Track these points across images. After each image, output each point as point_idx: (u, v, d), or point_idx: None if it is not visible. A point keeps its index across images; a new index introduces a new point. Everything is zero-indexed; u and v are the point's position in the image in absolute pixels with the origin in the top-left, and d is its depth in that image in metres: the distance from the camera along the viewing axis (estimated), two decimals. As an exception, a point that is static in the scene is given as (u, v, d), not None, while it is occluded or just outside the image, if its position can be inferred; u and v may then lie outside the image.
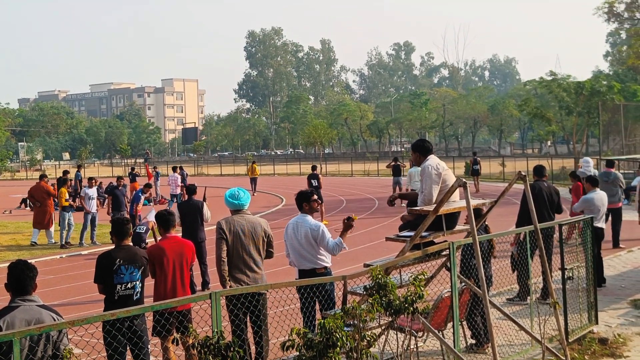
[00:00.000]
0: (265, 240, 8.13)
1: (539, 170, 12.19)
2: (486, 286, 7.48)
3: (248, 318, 7.87)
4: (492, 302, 7.68)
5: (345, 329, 5.22)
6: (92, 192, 20.88)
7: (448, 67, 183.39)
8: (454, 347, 7.36)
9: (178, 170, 33.39)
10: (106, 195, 27.03)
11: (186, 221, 13.39)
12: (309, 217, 8.35)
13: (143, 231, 14.88)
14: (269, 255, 8.25)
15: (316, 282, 7.52)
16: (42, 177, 22.47)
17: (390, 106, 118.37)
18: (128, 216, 18.83)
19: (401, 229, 7.93)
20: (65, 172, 25.16)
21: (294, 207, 8.82)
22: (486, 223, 9.20)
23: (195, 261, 8.84)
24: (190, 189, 14.26)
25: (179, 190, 30.80)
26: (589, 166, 21.00)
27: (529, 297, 9.40)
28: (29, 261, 5.61)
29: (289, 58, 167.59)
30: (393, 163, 30.57)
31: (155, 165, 52.72)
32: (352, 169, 59.59)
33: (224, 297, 6.68)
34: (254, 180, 38.29)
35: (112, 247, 7.46)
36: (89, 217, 20.41)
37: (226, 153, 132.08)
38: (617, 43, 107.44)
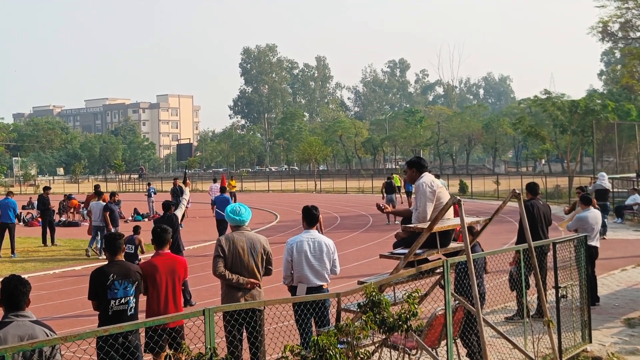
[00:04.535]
0: (265, 257, 8.11)
1: (533, 189, 12.19)
2: (480, 304, 7.47)
3: (244, 335, 7.83)
4: (486, 320, 7.67)
5: (338, 346, 5.20)
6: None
7: (443, 85, 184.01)
8: (448, 365, 7.34)
9: (218, 181, 35.72)
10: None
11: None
12: (317, 232, 8.40)
13: (133, 251, 14.79)
14: (268, 272, 8.23)
15: (310, 300, 7.50)
16: (97, 187, 23.00)
17: (385, 123, 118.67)
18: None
19: (395, 246, 7.93)
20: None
21: (288, 223, 8.84)
22: (477, 241, 9.20)
23: (187, 277, 8.76)
24: (166, 205, 14.12)
25: None
26: (604, 180, 21.81)
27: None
28: (23, 276, 5.60)
29: (284, 75, 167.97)
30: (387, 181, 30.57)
31: (150, 181, 52.71)
32: (346, 186, 59.62)
33: (220, 313, 6.66)
34: (232, 195, 38.99)
35: (105, 262, 7.47)
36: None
37: (221, 169, 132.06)
38: (611, 62, 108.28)
